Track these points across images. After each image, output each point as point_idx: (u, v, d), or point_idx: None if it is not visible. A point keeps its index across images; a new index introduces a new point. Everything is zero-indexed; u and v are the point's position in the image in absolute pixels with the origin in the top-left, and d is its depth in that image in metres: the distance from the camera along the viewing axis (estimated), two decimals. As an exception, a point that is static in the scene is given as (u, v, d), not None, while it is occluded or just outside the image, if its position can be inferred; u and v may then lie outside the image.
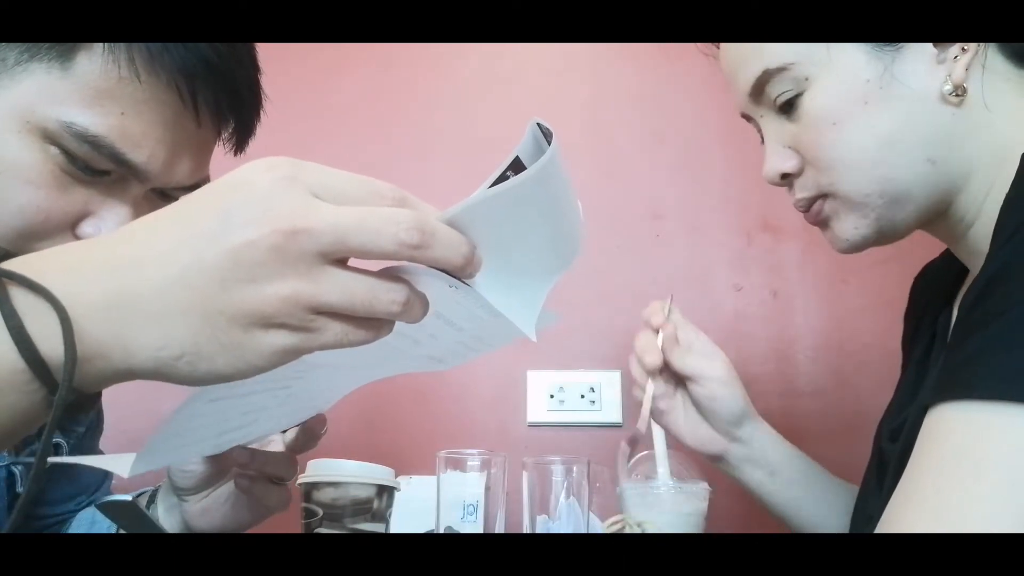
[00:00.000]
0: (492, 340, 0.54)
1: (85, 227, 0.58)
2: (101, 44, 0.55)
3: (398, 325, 0.42)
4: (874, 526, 0.52)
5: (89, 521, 0.84)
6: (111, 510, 0.70)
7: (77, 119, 0.54)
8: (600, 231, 1.31)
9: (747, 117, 0.73)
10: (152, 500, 0.76)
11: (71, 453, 0.79)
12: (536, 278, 0.46)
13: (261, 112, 0.67)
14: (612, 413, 1.25)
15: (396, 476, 0.80)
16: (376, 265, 0.40)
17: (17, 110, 0.54)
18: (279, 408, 0.58)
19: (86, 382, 0.37)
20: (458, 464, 0.79)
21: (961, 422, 0.49)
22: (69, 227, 0.57)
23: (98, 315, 0.36)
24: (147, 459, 0.50)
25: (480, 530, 0.78)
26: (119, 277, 0.37)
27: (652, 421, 0.82)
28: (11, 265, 0.37)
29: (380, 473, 0.78)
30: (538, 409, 1.26)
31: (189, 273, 0.36)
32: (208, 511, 0.71)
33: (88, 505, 0.86)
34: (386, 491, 0.78)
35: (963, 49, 0.61)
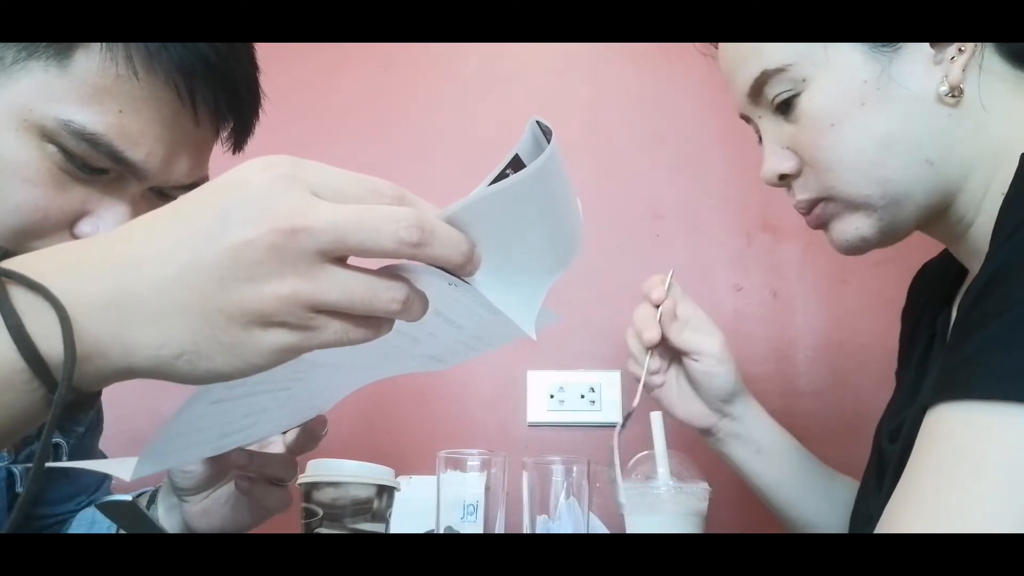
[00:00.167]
0: (492, 339, 0.54)
1: (83, 226, 0.58)
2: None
3: (398, 323, 0.42)
4: (874, 526, 0.52)
5: (89, 521, 0.84)
6: (111, 510, 0.70)
7: (75, 117, 0.54)
8: (600, 231, 1.30)
9: (745, 118, 0.73)
10: (152, 500, 0.76)
11: (71, 453, 0.79)
12: (536, 276, 0.46)
13: (260, 111, 0.67)
14: (612, 413, 1.24)
15: (396, 476, 0.80)
16: (376, 263, 0.40)
17: (15, 108, 0.54)
18: (280, 409, 0.58)
19: (85, 381, 0.37)
20: (458, 464, 0.79)
21: (961, 422, 0.49)
22: (67, 226, 0.57)
23: (97, 314, 0.36)
24: (148, 462, 0.49)
25: (480, 530, 0.78)
26: (118, 276, 0.37)
27: (652, 422, 0.82)
28: (10, 264, 0.37)
29: (380, 473, 0.78)
30: (538, 409, 1.26)
31: (188, 272, 0.36)
32: (208, 512, 0.71)
33: (88, 505, 0.86)
34: (386, 491, 0.78)
35: (960, 50, 0.62)
